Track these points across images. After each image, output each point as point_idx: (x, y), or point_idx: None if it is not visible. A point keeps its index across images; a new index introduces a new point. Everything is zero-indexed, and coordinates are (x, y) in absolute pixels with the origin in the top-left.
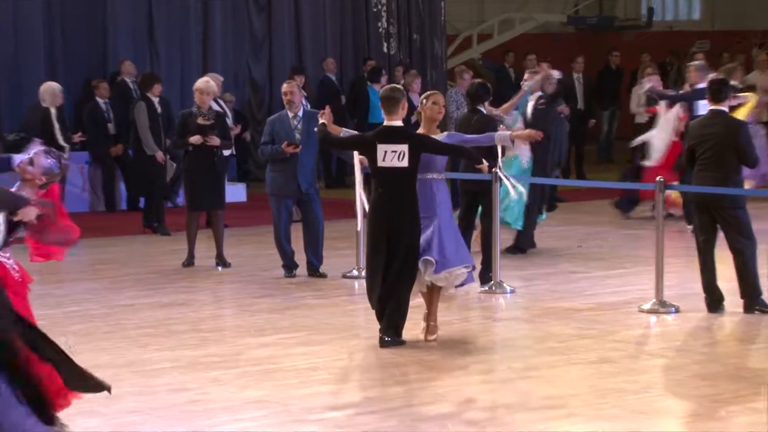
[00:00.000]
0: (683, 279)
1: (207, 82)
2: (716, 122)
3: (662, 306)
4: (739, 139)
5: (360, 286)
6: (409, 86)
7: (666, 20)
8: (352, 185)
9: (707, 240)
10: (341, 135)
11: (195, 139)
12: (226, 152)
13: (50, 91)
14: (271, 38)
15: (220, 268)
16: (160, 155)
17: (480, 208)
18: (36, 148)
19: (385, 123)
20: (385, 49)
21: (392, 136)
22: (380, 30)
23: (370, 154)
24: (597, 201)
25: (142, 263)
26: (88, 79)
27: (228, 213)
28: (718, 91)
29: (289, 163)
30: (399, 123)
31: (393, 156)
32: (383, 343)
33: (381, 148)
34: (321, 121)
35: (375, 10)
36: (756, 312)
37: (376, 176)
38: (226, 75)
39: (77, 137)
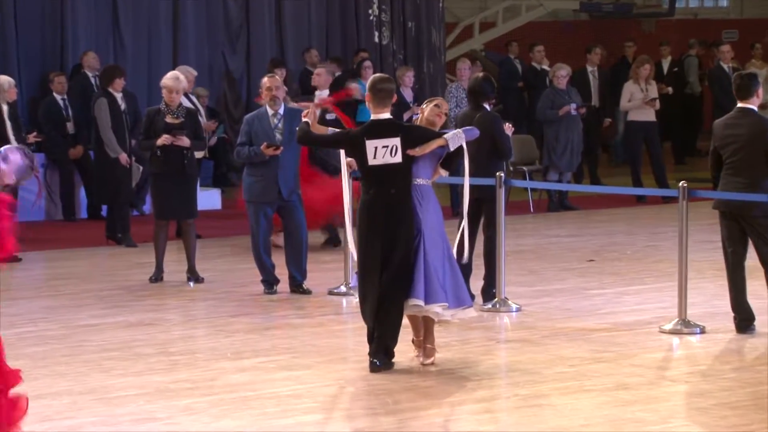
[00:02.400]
0: (709, 296)
1: (176, 78)
2: (742, 122)
3: (686, 326)
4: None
5: (348, 303)
6: (401, 80)
7: (690, 7)
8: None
9: (736, 252)
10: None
11: (163, 139)
12: (199, 154)
13: (1, 86)
14: (249, 27)
15: (191, 284)
16: (124, 157)
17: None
18: (11, 146)
19: (373, 116)
20: (377, 39)
21: (382, 129)
22: (371, 18)
23: (358, 152)
24: (612, 209)
25: (104, 278)
26: (45, 72)
27: (200, 222)
28: (746, 87)
29: (269, 166)
30: (388, 115)
31: (384, 151)
32: (374, 368)
33: (370, 145)
34: (304, 119)
35: None
36: None
37: (365, 176)
38: (199, 68)
39: (32, 137)
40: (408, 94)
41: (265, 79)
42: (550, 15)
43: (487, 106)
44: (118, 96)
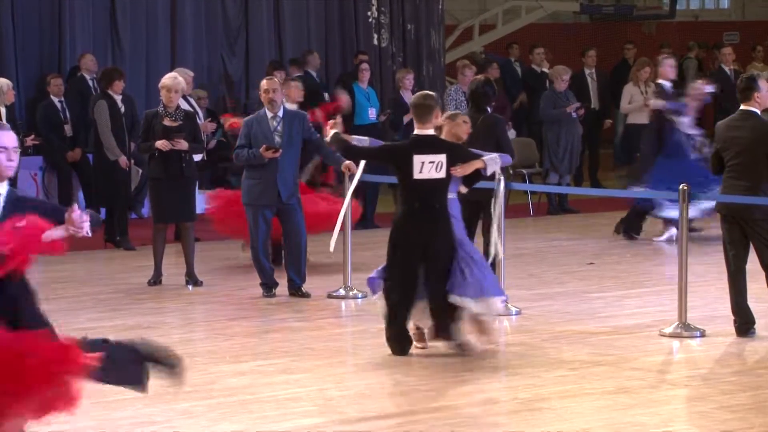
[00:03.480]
0: (710, 299)
1: (175, 79)
2: (744, 125)
3: (686, 329)
4: None
5: (347, 306)
6: (401, 82)
7: (691, 9)
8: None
9: (737, 256)
10: (357, 144)
11: (161, 143)
12: (198, 157)
13: None
14: (248, 29)
15: (190, 287)
16: (123, 160)
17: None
18: None
19: (417, 132)
20: (376, 41)
21: (428, 145)
22: (370, 20)
23: (404, 165)
24: (612, 212)
25: (103, 281)
26: (43, 74)
27: (199, 225)
28: (748, 89)
29: (268, 169)
30: (432, 132)
31: (431, 167)
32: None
33: (417, 159)
34: (332, 130)
35: None
36: None
37: (408, 189)
38: (197, 71)
39: (30, 140)
40: (408, 97)
41: (264, 82)
42: (551, 17)
43: (488, 109)
44: (118, 98)
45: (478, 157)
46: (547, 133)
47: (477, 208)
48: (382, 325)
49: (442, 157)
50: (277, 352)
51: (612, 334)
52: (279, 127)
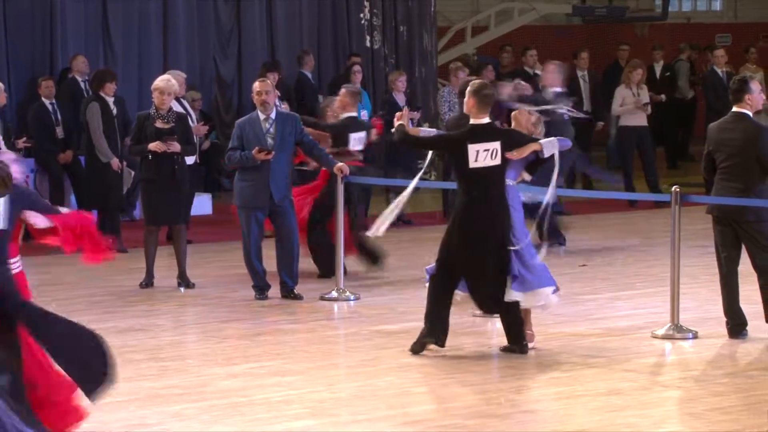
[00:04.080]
0: (702, 301)
1: (168, 81)
2: (736, 127)
3: (678, 331)
4: (761, 147)
5: (340, 308)
6: (393, 84)
7: (683, 11)
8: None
9: (729, 257)
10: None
11: (154, 145)
12: (190, 160)
13: None
14: (241, 31)
15: (182, 290)
16: (115, 162)
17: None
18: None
19: (473, 121)
20: (368, 43)
21: (483, 134)
22: (363, 22)
23: (459, 155)
24: (605, 214)
25: (95, 284)
26: (35, 76)
27: (192, 227)
28: (740, 91)
29: (261, 171)
30: (487, 120)
31: (486, 155)
32: (525, 350)
33: (472, 148)
34: (398, 122)
35: None
36: None
37: (466, 179)
38: (190, 73)
39: (21, 142)
40: (400, 99)
41: (257, 84)
42: (543, 19)
43: None
44: (110, 100)
45: (534, 141)
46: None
47: None
48: (375, 328)
49: (496, 145)
50: (270, 354)
51: (604, 336)
52: (271, 129)
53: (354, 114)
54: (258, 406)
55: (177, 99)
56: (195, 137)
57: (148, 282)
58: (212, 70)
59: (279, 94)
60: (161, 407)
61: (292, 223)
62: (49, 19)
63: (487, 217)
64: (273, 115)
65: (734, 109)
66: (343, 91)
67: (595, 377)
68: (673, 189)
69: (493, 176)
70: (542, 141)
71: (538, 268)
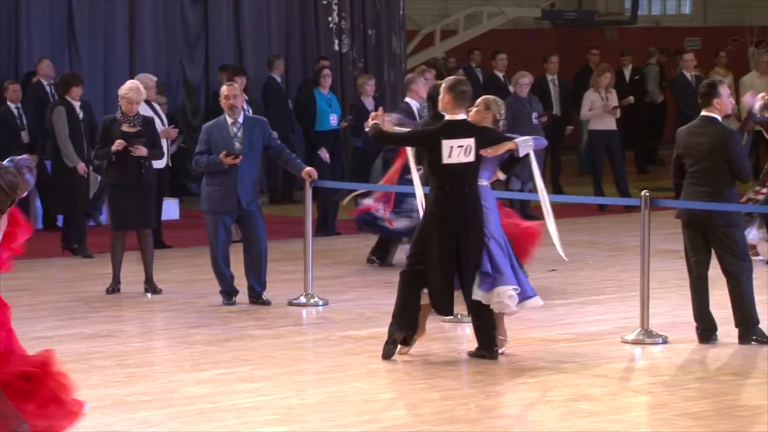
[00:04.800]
0: (672, 306)
1: (137, 89)
2: (705, 131)
3: (648, 336)
4: (730, 151)
5: (308, 314)
6: (362, 88)
7: (653, 15)
8: (300, 200)
9: (699, 262)
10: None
11: (117, 144)
12: (160, 164)
13: None
14: (208, 35)
15: (149, 295)
16: (81, 167)
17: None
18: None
19: (448, 117)
20: (337, 47)
21: (458, 130)
22: (331, 25)
23: (433, 150)
24: (574, 218)
25: (60, 290)
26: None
27: (168, 232)
28: (708, 95)
29: (228, 175)
30: (463, 116)
31: (460, 151)
32: (495, 356)
33: (446, 144)
34: (373, 122)
35: (325, 2)
36: (752, 343)
37: (438, 174)
38: (157, 76)
39: None
40: (369, 103)
41: (224, 88)
42: (512, 23)
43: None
44: (76, 104)
45: (509, 139)
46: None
47: None
48: (344, 333)
49: (470, 141)
50: (238, 360)
51: (574, 341)
52: (239, 133)
53: None
54: (226, 412)
55: (148, 103)
56: (167, 140)
57: (114, 288)
58: (179, 74)
59: (247, 98)
60: (128, 414)
61: (259, 227)
62: (14, 22)
63: (459, 212)
64: (241, 119)
65: (703, 113)
66: None
67: (565, 382)
68: (642, 193)
69: (467, 173)
70: (518, 140)
71: (505, 268)
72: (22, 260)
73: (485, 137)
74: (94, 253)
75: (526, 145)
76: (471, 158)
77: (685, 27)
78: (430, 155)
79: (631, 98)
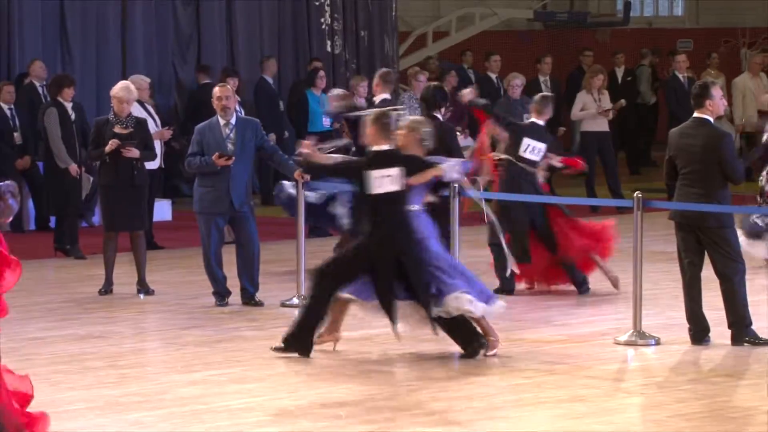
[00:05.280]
0: (664, 307)
1: (127, 89)
2: (697, 132)
3: (641, 337)
4: (722, 153)
5: None
6: (355, 89)
7: (645, 16)
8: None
9: (692, 263)
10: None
11: (110, 145)
12: (153, 165)
13: None
14: (200, 37)
15: (142, 296)
16: (74, 168)
17: None
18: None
19: (374, 148)
20: (329, 48)
21: (384, 160)
22: (323, 26)
23: (360, 181)
24: None
25: (53, 291)
26: None
27: (161, 233)
28: (701, 96)
29: (220, 177)
30: (388, 146)
31: (387, 181)
32: (473, 354)
33: (374, 174)
34: (304, 150)
35: (317, 3)
36: (745, 344)
37: (369, 203)
38: (148, 77)
39: None
40: (362, 104)
41: (217, 89)
42: (504, 24)
43: (439, 116)
44: (68, 106)
45: (435, 165)
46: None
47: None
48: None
49: (396, 171)
50: (230, 361)
51: (566, 343)
52: (231, 135)
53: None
54: (218, 413)
55: (141, 104)
56: (160, 142)
57: (107, 289)
58: (171, 76)
59: (239, 99)
60: (120, 415)
61: (252, 229)
62: (5, 23)
63: (391, 240)
64: (233, 121)
65: (695, 114)
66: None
67: (557, 384)
68: (635, 195)
69: (396, 201)
70: (444, 165)
71: (452, 279)
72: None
73: (411, 165)
74: (86, 254)
75: (452, 170)
76: (398, 186)
77: (678, 28)
78: (358, 186)
79: (623, 101)
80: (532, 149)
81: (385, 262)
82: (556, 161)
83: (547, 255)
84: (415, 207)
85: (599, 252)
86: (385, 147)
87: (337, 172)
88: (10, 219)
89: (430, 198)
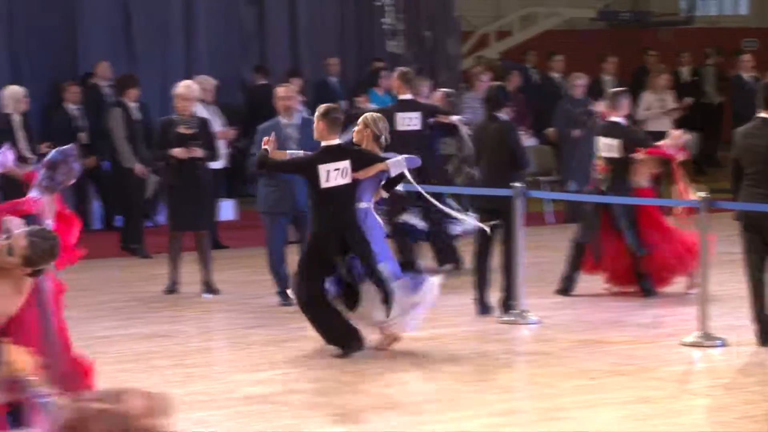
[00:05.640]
0: (730, 308)
1: (188, 86)
2: (762, 133)
3: (707, 339)
4: None
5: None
6: (417, 90)
7: (709, 15)
8: None
9: (757, 265)
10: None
11: (178, 152)
12: (218, 164)
13: (13, 96)
14: (264, 37)
15: (206, 296)
16: (138, 168)
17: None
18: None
19: (324, 143)
20: (391, 48)
21: (333, 154)
22: (386, 27)
23: (311, 175)
24: None
25: (118, 290)
26: (56, 82)
27: (225, 233)
28: (764, 96)
29: (285, 177)
30: (337, 141)
31: (336, 174)
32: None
33: (323, 169)
34: (264, 146)
35: (379, 4)
36: None
37: (320, 197)
38: (212, 77)
39: (44, 147)
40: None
41: (280, 89)
42: (567, 23)
43: (503, 116)
44: (133, 106)
45: (382, 160)
46: (564, 141)
47: (494, 216)
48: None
49: (345, 164)
50: (295, 360)
51: (632, 344)
52: (295, 135)
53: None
54: (283, 413)
55: (206, 104)
56: (225, 141)
57: (172, 288)
58: (235, 76)
59: (303, 99)
60: (185, 414)
61: None
62: (71, 23)
63: (339, 234)
64: (296, 121)
65: (760, 114)
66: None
67: (623, 385)
68: (701, 195)
69: (345, 195)
70: (389, 161)
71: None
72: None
73: (359, 159)
74: (152, 253)
75: (398, 165)
76: (348, 180)
77: (743, 27)
78: (310, 181)
79: (690, 100)
80: (609, 148)
81: (335, 255)
82: (641, 154)
83: (627, 258)
84: (363, 204)
85: (690, 265)
86: (334, 142)
87: (289, 168)
88: (73, 181)
89: (383, 193)
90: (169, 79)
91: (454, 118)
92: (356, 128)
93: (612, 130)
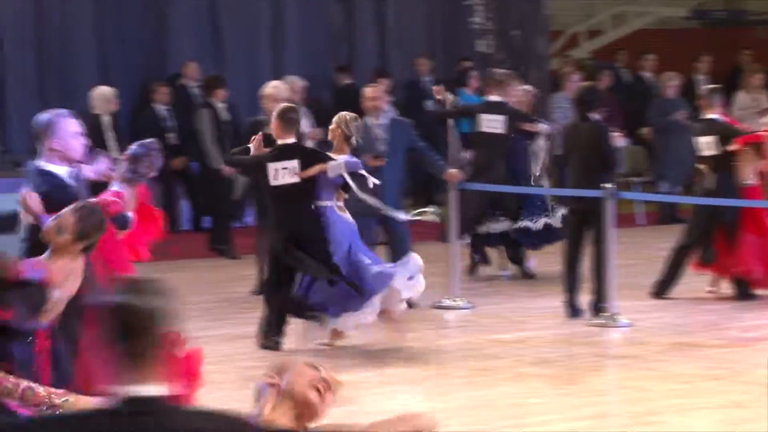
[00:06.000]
0: None
1: (275, 86)
2: None
3: None
4: None
5: (452, 317)
6: (507, 92)
7: None
8: (444, 203)
9: None
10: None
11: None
12: None
13: (102, 97)
14: (352, 37)
15: None
16: (227, 168)
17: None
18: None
19: (279, 142)
20: (480, 48)
21: (284, 153)
22: (475, 26)
23: (262, 174)
24: None
25: (207, 290)
26: (145, 82)
27: None
28: None
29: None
30: (293, 140)
31: (285, 173)
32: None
33: (271, 167)
34: (251, 146)
35: (468, 3)
36: None
37: (271, 196)
38: (300, 77)
39: None
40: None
41: (368, 89)
42: (659, 22)
43: (595, 116)
44: (221, 107)
45: (327, 161)
46: (656, 141)
47: (584, 218)
48: (489, 337)
49: (294, 163)
50: (381, 363)
51: (725, 347)
52: (383, 135)
53: None
54: (370, 415)
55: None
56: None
57: (260, 289)
58: (323, 76)
59: (391, 99)
60: None
61: (403, 230)
62: (160, 24)
63: (295, 231)
64: (385, 121)
65: None
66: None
67: (716, 389)
68: None
69: (298, 193)
70: (331, 163)
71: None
72: (170, 261)
73: (306, 159)
74: (240, 254)
75: (338, 167)
76: (296, 179)
77: None
78: (261, 180)
79: None
80: (708, 146)
81: (291, 254)
82: (737, 144)
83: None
84: (325, 202)
85: None
86: (289, 140)
87: (245, 165)
88: (155, 173)
89: (344, 194)
90: (257, 80)
91: (540, 127)
92: (330, 127)
93: (709, 127)
